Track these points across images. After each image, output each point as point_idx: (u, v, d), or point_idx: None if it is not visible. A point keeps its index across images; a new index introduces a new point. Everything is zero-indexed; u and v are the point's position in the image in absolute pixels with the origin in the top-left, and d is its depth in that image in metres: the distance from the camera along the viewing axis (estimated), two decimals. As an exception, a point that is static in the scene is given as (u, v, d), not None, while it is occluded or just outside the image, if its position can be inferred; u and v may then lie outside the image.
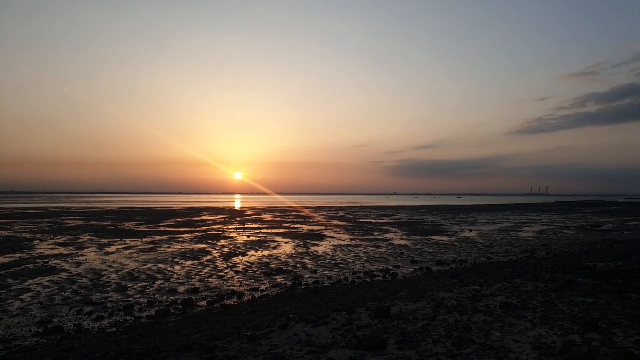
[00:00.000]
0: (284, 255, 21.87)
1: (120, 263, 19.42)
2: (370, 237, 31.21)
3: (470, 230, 36.86)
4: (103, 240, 28.27)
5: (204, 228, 38.22)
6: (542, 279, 11.03)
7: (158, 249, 24.19)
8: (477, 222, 48.14)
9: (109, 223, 43.49)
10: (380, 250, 24.08)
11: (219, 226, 40.52)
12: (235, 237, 30.79)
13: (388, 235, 32.29)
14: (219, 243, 26.93)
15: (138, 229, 36.76)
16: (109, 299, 13.15)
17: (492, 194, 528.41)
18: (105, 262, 19.58)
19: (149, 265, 19.00)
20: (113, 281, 15.66)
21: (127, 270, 17.78)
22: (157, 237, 30.08)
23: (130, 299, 13.18)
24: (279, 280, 16.00)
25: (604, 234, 33.23)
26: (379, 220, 49.79)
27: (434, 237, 31.56)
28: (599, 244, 25.70)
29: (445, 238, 30.75)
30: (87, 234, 31.87)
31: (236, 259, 20.62)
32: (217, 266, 18.85)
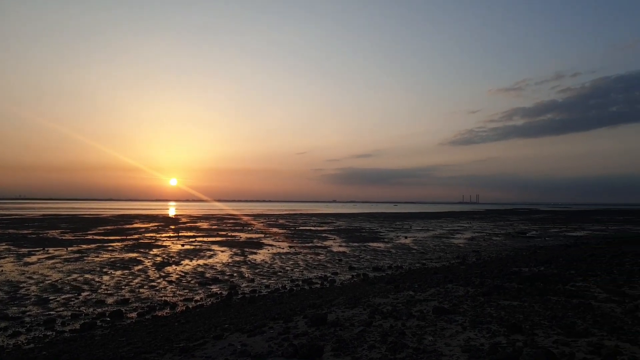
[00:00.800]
0: (220, 264, 21.41)
1: (41, 274, 18.18)
2: (310, 244, 31.27)
3: (406, 237, 37.86)
4: (23, 249, 26.36)
5: (136, 236, 36.70)
6: (473, 284, 11.49)
7: (85, 258, 22.91)
8: (412, 229, 49.57)
9: (30, 231, 40.66)
10: (319, 257, 24.16)
11: (152, 234, 39.05)
12: (169, 245, 29.78)
13: (327, 243, 32.49)
14: (151, 252, 25.93)
15: (63, 238, 34.66)
16: (28, 313, 12.24)
17: (426, 202, 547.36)
18: (24, 274, 18.26)
19: (75, 275, 17.94)
20: (33, 294, 14.60)
21: (49, 281, 16.67)
22: (85, 246, 28.50)
23: (52, 312, 12.34)
24: (214, 290, 15.62)
25: (528, 241, 35.23)
26: (319, 228, 50.04)
27: (371, 244, 32.11)
28: (524, 250, 27.21)
29: (382, 245, 31.37)
30: (3, 244, 29.61)
31: (169, 269, 19.93)
32: (149, 276, 18.12)
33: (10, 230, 41.58)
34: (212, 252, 26.07)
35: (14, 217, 69.77)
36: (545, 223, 63.90)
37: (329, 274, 18.65)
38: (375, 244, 31.77)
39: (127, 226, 50.57)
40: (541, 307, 8.38)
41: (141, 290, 15.42)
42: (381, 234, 42.34)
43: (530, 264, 16.70)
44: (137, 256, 24.01)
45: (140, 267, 20.42)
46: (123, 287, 15.89)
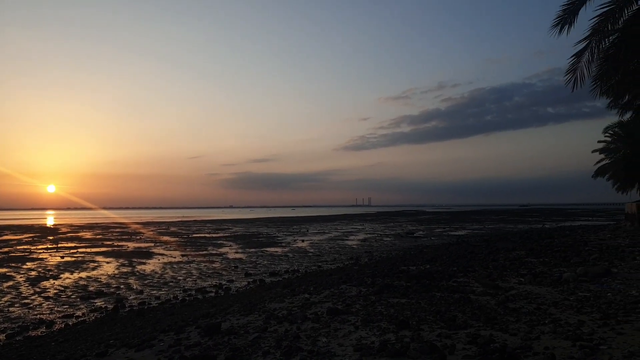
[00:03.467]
0: (105, 277, 19.93)
1: None
2: (204, 252, 30.34)
3: (303, 241, 38.32)
4: None
5: (5, 249, 32.86)
6: (365, 284, 11.88)
7: (-59, 277, 20.03)
8: (309, 232, 50.33)
9: None
10: (214, 265, 23.52)
11: (25, 247, 35.27)
12: (46, 258, 27.10)
13: (223, 250, 31.77)
14: (24, 266, 23.39)
15: None
16: None
17: (323, 206, 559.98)
18: None
19: None
20: None
21: None
22: (-59, 263, 24.94)
23: None
24: (98, 304, 14.48)
25: (416, 241, 37.49)
26: (214, 235, 48.79)
27: (268, 249, 32.01)
28: (412, 249, 28.87)
29: (279, 249, 31.41)
30: None
31: (46, 283, 18.13)
32: (21, 293, 16.31)
33: None
34: (96, 264, 24.20)
35: None
36: (431, 223, 68.53)
37: (224, 282, 18.21)
38: (272, 249, 31.71)
39: (-5, 239, 45.20)
40: (427, 303, 8.89)
41: (11, 309, 13.81)
42: (278, 238, 42.41)
43: (417, 262, 17.72)
44: (7, 271, 21.49)
45: (10, 283, 18.31)
46: (-12, 307, 14.12)
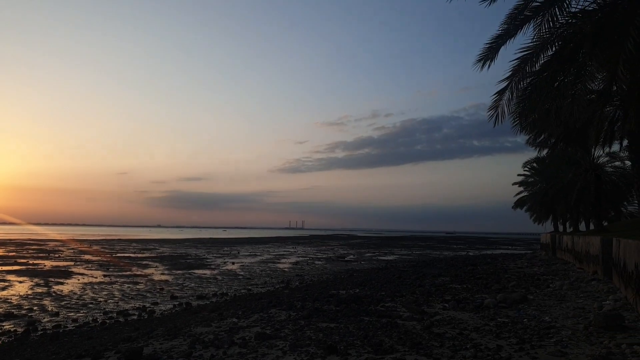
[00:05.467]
0: (16, 297, 18.46)
1: None
2: (128, 272, 28.93)
3: (233, 263, 37.58)
4: None
5: None
6: (295, 308, 11.85)
7: None
8: (240, 254, 49.48)
9: None
10: (138, 287, 22.46)
11: None
12: (-52, 276, 24.71)
13: (148, 271, 30.43)
14: None
15: None
16: None
17: (256, 228, 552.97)
18: None
19: None
20: None
21: None
22: None
23: None
24: (6, 327, 13.34)
25: (347, 264, 37.89)
26: (139, 255, 46.70)
27: (197, 271, 31.07)
28: (343, 273, 29.14)
29: (208, 272, 30.57)
30: None
31: (-53, 305, 16.50)
32: None
33: None
34: (6, 284, 22.36)
35: None
36: (362, 248, 69.68)
37: (148, 304, 17.42)
38: (200, 271, 30.81)
39: None
40: (355, 328, 9.01)
41: None
42: (208, 260, 41.32)
43: (347, 286, 17.93)
44: None
45: None
46: None
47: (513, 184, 48.21)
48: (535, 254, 41.55)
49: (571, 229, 40.57)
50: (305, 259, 44.43)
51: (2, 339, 12.00)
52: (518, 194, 48.40)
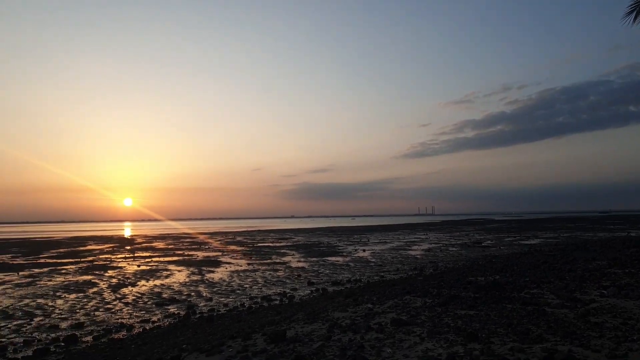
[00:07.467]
0: (177, 284, 20.83)
1: (-15, 301, 17.14)
2: (268, 261, 30.94)
3: (364, 250, 38.09)
4: (-36, 276, 24.81)
5: (90, 258, 35.27)
6: (430, 295, 11.63)
7: (38, 282, 21.83)
8: (370, 242, 49.97)
9: (-28, 256, 38.35)
10: (278, 273, 23.92)
11: (106, 256, 37.64)
12: (124, 266, 28.77)
13: (286, 259, 32.24)
14: (106, 274, 24.97)
15: (14, 262, 32.89)
16: (-30, 343, 11.48)
17: (383, 215, 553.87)
18: (-34, 301, 17.16)
19: (27, 300, 17.06)
20: (-24, 322, 13.73)
21: (-5, 308, 15.74)
22: (37, 270, 27.14)
23: (3, 339, 11.65)
24: (171, 310, 15.17)
25: (484, 250, 36.15)
26: (277, 244, 49.66)
27: (330, 258, 32.11)
28: (480, 259, 27.87)
29: (340, 259, 31.42)
30: (-57, 270, 27.77)
31: (125, 290, 19.24)
32: (104, 298, 17.43)
33: (-51, 256, 39.07)
34: (168, 272, 25.35)
35: (-47, 241, 65.66)
36: (500, 232, 65.87)
37: (288, 290, 18.47)
38: (333, 258, 31.78)
39: (81, 248, 48.57)
40: (497, 315, 8.56)
41: (96, 313, 14.82)
42: (339, 248, 42.44)
43: (486, 273, 17.10)
44: (92, 278, 23.07)
45: (95, 289, 19.63)
46: (77, 310, 15.26)
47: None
48: None
49: None
50: (438, 245, 43.35)
51: (169, 320, 13.66)
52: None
